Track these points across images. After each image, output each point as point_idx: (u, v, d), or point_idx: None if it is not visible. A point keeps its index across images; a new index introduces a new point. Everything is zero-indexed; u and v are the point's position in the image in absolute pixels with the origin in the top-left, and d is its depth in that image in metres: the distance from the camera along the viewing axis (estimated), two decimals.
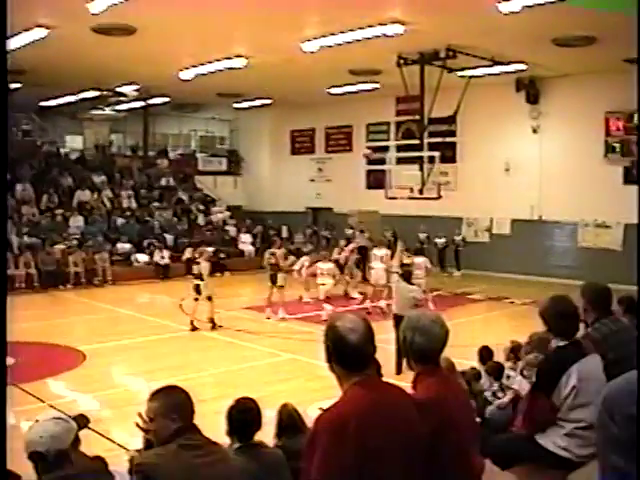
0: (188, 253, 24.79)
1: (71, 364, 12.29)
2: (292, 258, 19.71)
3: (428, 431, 3.08)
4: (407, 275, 11.73)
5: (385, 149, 23.73)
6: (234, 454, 4.42)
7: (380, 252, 17.50)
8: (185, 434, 3.47)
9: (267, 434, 5.10)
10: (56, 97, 25.56)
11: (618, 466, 1.59)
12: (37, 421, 3.87)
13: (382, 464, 2.81)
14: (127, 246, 24.36)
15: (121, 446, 7.59)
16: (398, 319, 9.55)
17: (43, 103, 26.82)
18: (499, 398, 6.80)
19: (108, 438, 8.11)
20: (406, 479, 2.91)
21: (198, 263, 16.10)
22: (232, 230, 28.39)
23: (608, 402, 1.63)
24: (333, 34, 15.93)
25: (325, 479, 2.75)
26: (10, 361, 9.75)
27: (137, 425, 3.71)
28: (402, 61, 18.88)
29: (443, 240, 23.63)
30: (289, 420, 5.32)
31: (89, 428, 7.70)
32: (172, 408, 3.52)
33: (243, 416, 4.55)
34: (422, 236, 24.14)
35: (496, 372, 7.25)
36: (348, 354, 2.92)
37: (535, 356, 5.23)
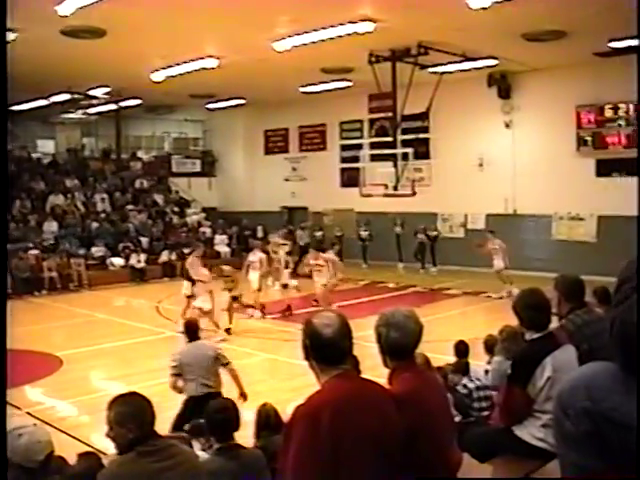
0: (164, 256, 24.85)
1: (48, 370, 12.21)
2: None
3: (405, 425, 3.10)
4: None
5: (359, 147, 23.76)
6: (213, 455, 4.43)
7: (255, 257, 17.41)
8: (144, 441, 3.49)
9: (247, 435, 5.10)
10: (26, 101, 25.30)
11: (575, 462, 1.59)
12: (20, 435, 3.91)
13: (357, 455, 2.83)
14: (102, 250, 24.21)
15: (100, 451, 7.53)
16: None
17: (13, 107, 26.55)
18: (469, 389, 6.88)
19: (87, 444, 8.05)
20: (381, 471, 2.92)
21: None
22: (208, 231, 28.34)
23: (563, 397, 1.63)
24: (305, 33, 15.93)
25: (300, 469, 2.77)
26: None
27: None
28: (374, 58, 18.94)
29: (422, 236, 23.73)
30: (268, 420, 5.32)
31: (68, 434, 7.67)
32: (128, 417, 3.53)
33: (221, 416, 4.54)
34: (398, 229, 24.30)
35: (462, 369, 7.31)
36: (324, 348, 2.97)
37: (500, 348, 5.27)
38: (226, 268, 16.11)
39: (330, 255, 16.87)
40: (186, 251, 24.11)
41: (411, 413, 3.18)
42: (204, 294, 14.68)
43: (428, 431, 3.30)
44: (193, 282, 15.32)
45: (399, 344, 3.41)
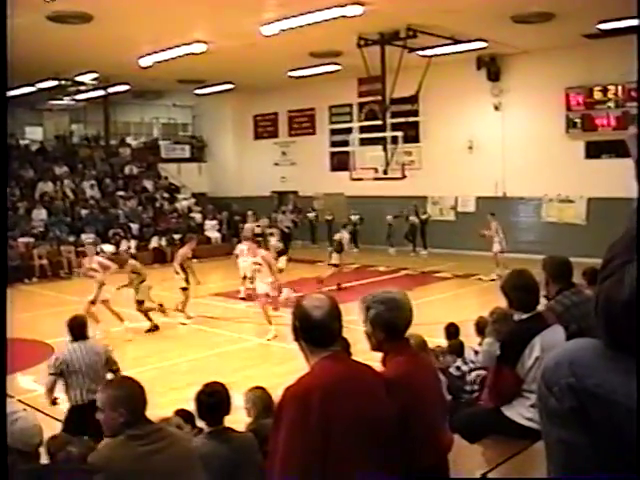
0: (154, 242, 24.81)
1: (39, 358, 12.15)
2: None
3: (398, 409, 3.11)
4: None
5: (348, 131, 23.72)
6: (204, 439, 4.44)
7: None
8: (134, 426, 3.52)
9: (238, 420, 5.11)
10: (13, 88, 25.11)
11: (560, 438, 1.60)
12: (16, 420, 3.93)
13: (346, 436, 2.84)
14: (92, 237, 24.13)
15: None
16: None
17: None
18: (462, 371, 6.88)
19: None
20: (370, 452, 2.93)
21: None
22: (198, 217, 28.28)
23: (547, 374, 1.63)
24: (293, 16, 15.86)
25: (290, 450, 2.77)
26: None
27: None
28: (362, 42, 18.89)
29: (414, 217, 23.79)
30: (262, 403, 5.34)
31: (60, 421, 7.66)
32: (122, 400, 3.57)
33: (211, 400, 4.55)
34: (389, 218, 24.37)
35: (457, 350, 7.33)
36: (314, 329, 2.98)
37: (491, 330, 5.29)
38: (133, 263, 15.23)
39: (266, 253, 14.69)
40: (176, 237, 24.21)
41: (403, 396, 3.18)
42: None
43: (420, 414, 3.30)
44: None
45: (394, 323, 3.39)
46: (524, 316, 4.49)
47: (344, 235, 18.58)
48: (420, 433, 3.30)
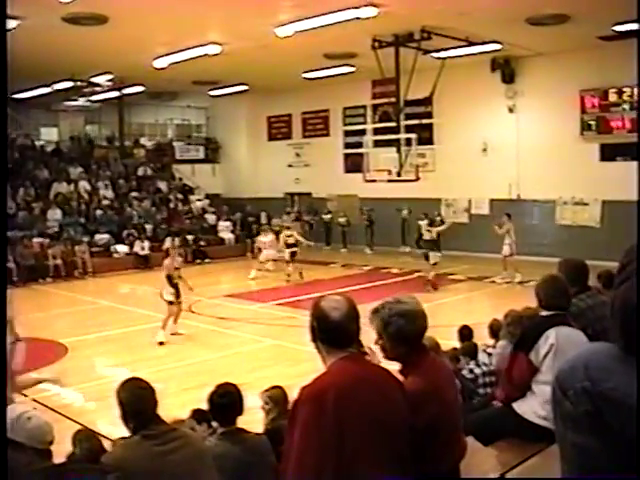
0: (168, 243, 24.86)
1: (53, 357, 12.24)
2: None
3: (425, 420, 3.15)
4: None
5: (362, 132, 23.71)
6: (217, 439, 4.45)
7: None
8: (147, 425, 3.53)
9: (252, 420, 5.12)
10: (29, 89, 25.27)
11: (574, 442, 1.59)
12: (29, 418, 3.92)
13: (360, 436, 2.85)
14: (106, 237, 24.25)
15: (105, 437, 7.57)
16: None
17: (16, 95, 26.51)
18: (475, 374, 6.85)
19: (91, 430, 8.07)
20: (384, 454, 2.94)
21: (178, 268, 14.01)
22: (211, 218, 28.32)
23: (562, 377, 1.63)
24: (307, 18, 15.87)
25: (305, 448, 2.78)
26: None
27: None
28: (377, 44, 18.86)
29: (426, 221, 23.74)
30: (279, 403, 5.35)
31: (74, 420, 7.70)
32: (127, 403, 3.62)
33: (224, 400, 4.56)
34: (404, 214, 24.38)
35: (470, 352, 7.31)
36: (331, 330, 2.98)
37: (505, 332, 5.27)
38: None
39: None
40: (190, 238, 24.29)
41: (431, 408, 3.23)
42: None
43: (443, 422, 3.32)
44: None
45: (414, 335, 3.39)
46: (549, 313, 4.51)
47: (433, 229, 18.52)
48: (442, 440, 3.32)
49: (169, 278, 13.54)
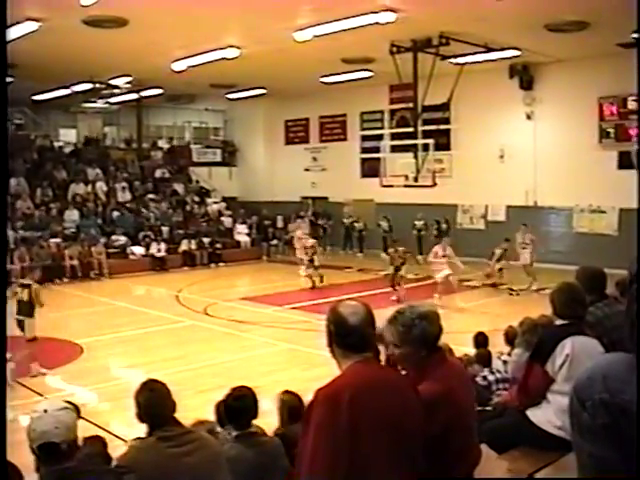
0: (184, 245, 24.99)
1: (69, 357, 12.32)
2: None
3: (442, 424, 3.17)
4: None
5: (379, 137, 23.69)
6: (232, 442, 4.46)
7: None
8: (163, 427, 3.54)
9: (266, 424, 5.12)
10: (49, 90, 25.47)
11: (592, 453, 1.59)
12: (45, 411, 3.80)
13: (374, 438, 2.86)
14: (123, 239, 24.37)
15: (119, 437, 7.61)
16: None
17: (36, 97, 26.71)
18: (489, 381, 6.84)
19: (107, 430, 8.12)
20: (397, 457, 2.94)
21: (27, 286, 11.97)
22: (228, 221, 28.39)
23: (580, 389, 1.62)
24: (326, 22, 15.89)
25: (319, 449, 2.80)
26: (7, 355, 9.71)
27: None
28: (395, 49, 18.86)
29: (445, 226, 23.75)
30: (290, 408, 5.35)
31: (88, 421, 7.73)
32: (143, 405, 3.64)
33: (238, 404, 4.58)
34: (419, 224, 24.31)
35: (484, 359, 7.30)
36: (348, 335, 3.00)
37: (520, 340, 5.25)
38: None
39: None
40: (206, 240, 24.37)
41: (447, 413, 3.24)
42: None
43: (460, 428, 3.33)
44: None
45: (435, 337, 3.44)
46: (564, 322, 4.50)
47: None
48: (456, 446, 3.32)
49: None
